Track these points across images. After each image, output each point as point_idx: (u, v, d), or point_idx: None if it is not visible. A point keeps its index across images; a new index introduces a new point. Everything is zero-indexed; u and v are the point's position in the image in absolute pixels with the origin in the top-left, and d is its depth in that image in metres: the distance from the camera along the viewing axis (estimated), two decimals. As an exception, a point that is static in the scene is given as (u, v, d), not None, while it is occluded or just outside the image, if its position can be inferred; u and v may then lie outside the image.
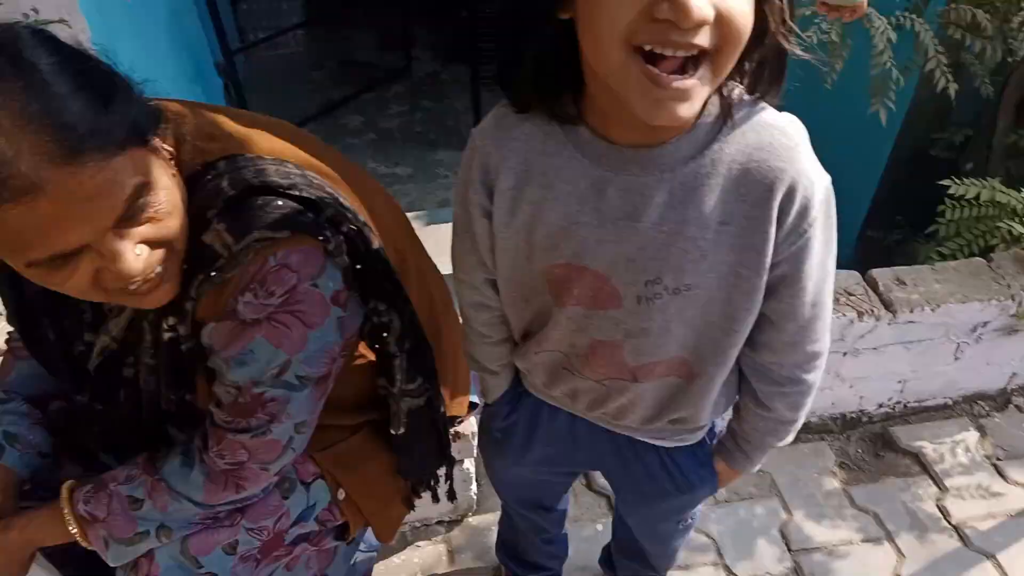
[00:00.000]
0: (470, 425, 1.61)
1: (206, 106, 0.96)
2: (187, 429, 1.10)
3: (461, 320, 1.16)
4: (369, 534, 1.54)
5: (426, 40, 4.89)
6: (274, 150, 0.93)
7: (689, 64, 0.70)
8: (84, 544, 1.02)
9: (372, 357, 1.10)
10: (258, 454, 0.98)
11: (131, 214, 0.77)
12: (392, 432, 1.12)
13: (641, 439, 1.12)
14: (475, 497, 1.81)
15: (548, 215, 0.88)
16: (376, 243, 0.95)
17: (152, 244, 0.81)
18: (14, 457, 1.08)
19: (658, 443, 1.12)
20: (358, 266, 0.93)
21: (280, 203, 0.87)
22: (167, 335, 0.93)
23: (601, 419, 1.11)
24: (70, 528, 1.01)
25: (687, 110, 0.72)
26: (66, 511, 1.01)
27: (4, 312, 1.21)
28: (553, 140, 0.87)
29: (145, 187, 0.78)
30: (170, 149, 0.85)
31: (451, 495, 1.30)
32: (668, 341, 0.94)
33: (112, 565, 1.04)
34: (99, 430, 1.10)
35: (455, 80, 4.58)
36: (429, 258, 1.22)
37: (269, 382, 0.93)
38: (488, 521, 1.81)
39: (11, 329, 1.19)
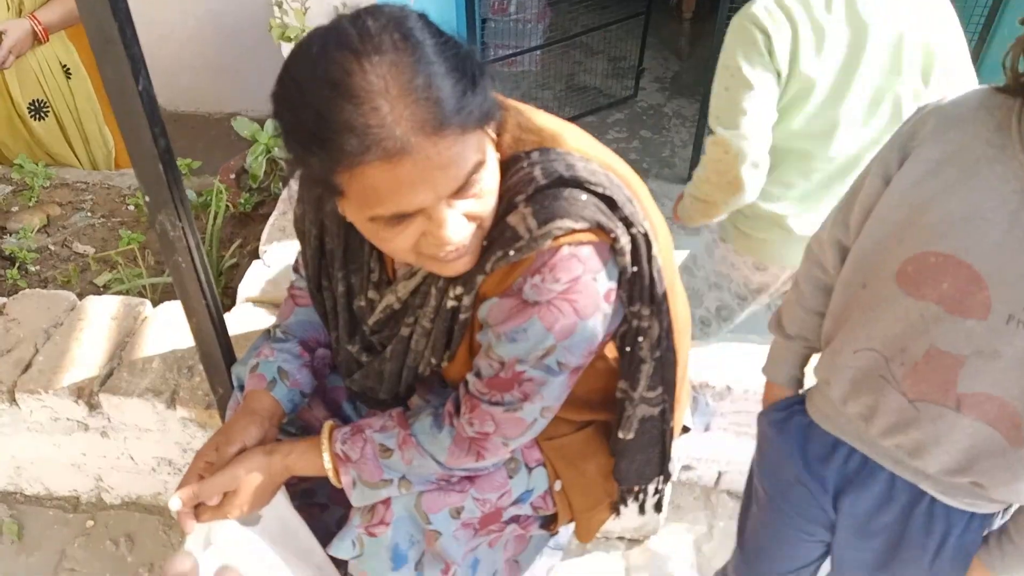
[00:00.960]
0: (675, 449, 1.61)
1: (518, 104, 1.04)
2: (429, 397, 1.18)
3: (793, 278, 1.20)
4: (558, 536, 1.59)
5: (655, 72, 4.96)
6: (580, 148, 0.99)
7: None
8: (333, 480, 1.12)
9: (611, 360, 1.14)
10: (504, 428, 1.04)
11: (465, 187, 0.85)
12: (619, 436, 1.15)
13: (925, 490, 1.03)
14: (661, 523, 1.81)
15: (955, 200, 0.87)
16: (656, 249, 0.99)
17: (470, 218, 0.89)
18: (283, 392, 1.21)
19: (940, 497, 1.03)
20: (635, 268, 0.97)
21: (584, 197, 0.93)
22: (450, 303, 1.01)
23: (891, 453, 1.03)
24: (325, 463, 1.11)
25: None
26: (325, 447, 1.11)
27: (291, 263, 1.37)
28: (1002, 136, 0.86)
29: (481, 165, 0.86)
30: (494, 136, 0.94)
31: (659, 507, 1.30)
32: (1014, 378, 0.88)
33: (355, 505, 1.13)
34: (358, 379, 1.21)
35: (678, 114, 4.61)
36: (678, 276, 1.24)
37: (532, 362, 0.98)
38: (669, 548, 1.80)
39: (294, 278, 1.35)
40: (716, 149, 1.60)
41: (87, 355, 1.67)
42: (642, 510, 1.31)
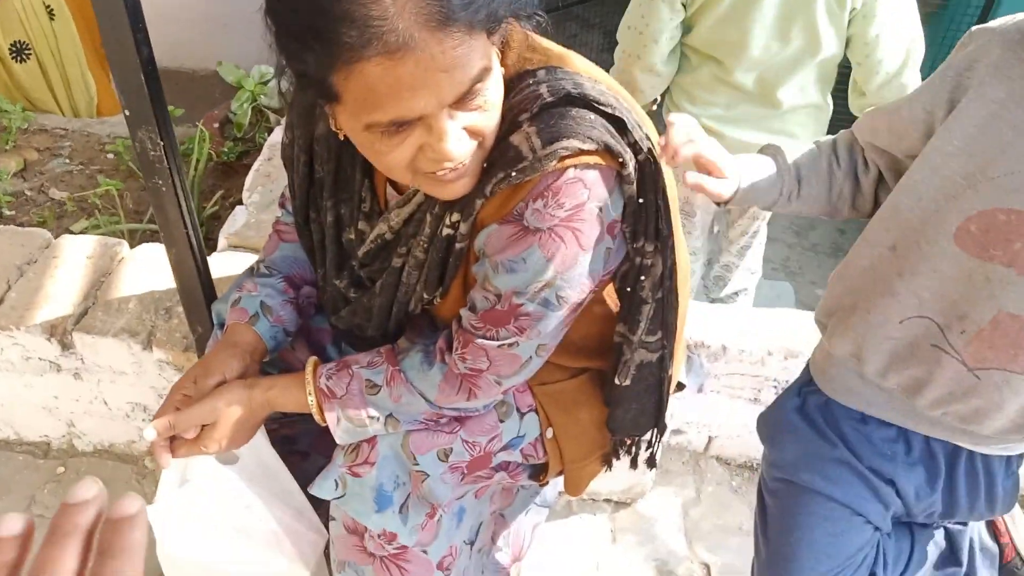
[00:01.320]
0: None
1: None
2: (418, 341, 1.14)
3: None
4: (546, 492, 1.55)
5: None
6: (588, 70, 0.95)
7: None
8: (317, 417, 1.07)
9: (609, 304, 1.09)
10: (497, 365, 1.00)
11: (468, 97, 0.80)
12: (616, 382, 1.11)
13: (961, 445, 0.98)
14: (649, 485, 1.77)
15: None
16: (663, 180, 0.94)
17: (471, 133, 0.84)
18: (265, 327, 1.16)
19: (976, 448, 0.99)
20: (640, 199, 0.93)
21: (592, 117, 0.88)
22: (446, 231, 0.96)
23: (940, 422, 0.96)
24: (309, 398, 1.06)
25: None
26: (309, 382, 1.06)
27: (276, 199, 1.31)
28: None
29: (486, 72, 0.81)
30: (498, 51, 0.88)
31: (651, 463, 1.27)
32: None
33: (339, 443, 1.09)
34: (345, 315, 1.16)
35: (673, 91, 4.56)
36: (679, 214, 1.20)
37: (530, 295, 0.94)
38: (656, 511, 1.76)
39: (279, 213, 1.29)
40: (619, 51, 1.85)
41: (61, 293, 1.60)
42: (634, 464, 1.27)
